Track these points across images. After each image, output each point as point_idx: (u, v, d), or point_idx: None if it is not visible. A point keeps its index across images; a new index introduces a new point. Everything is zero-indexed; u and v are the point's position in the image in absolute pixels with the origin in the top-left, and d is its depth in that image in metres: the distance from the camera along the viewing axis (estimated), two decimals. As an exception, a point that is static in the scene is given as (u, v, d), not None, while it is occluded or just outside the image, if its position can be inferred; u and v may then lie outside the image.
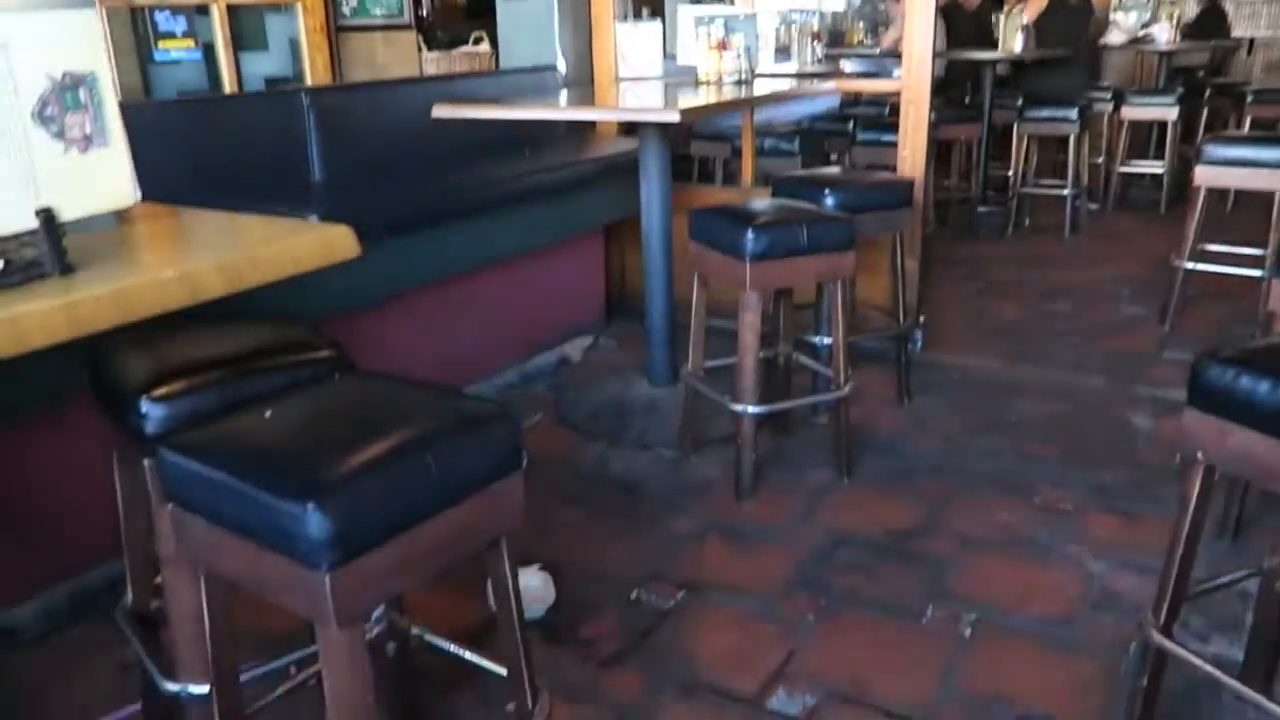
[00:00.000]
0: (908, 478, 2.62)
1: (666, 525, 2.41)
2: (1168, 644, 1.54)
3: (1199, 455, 1.45)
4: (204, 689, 1.39)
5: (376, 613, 1.51)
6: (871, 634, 1.99)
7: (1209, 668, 1.51)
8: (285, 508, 1.06)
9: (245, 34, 5.09)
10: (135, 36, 4.87)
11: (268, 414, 1.24)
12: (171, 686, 1.45)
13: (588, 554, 2.29)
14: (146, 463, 1.34)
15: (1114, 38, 6.42)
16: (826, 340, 2.76)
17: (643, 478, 2.66)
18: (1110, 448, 2.74)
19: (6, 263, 1.18)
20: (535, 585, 2.05)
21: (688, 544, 2.33)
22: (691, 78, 3.24)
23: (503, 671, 1.44)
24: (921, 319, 3.37)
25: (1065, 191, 5.14)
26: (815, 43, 4.01)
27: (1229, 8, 7.31)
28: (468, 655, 1.54)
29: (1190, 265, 3.47)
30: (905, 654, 1.92)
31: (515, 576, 1.34)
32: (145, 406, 1.32)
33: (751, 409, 2.43)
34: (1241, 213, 5.11)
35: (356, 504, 1.09)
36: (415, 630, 1.59)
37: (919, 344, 3.40)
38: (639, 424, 2.91)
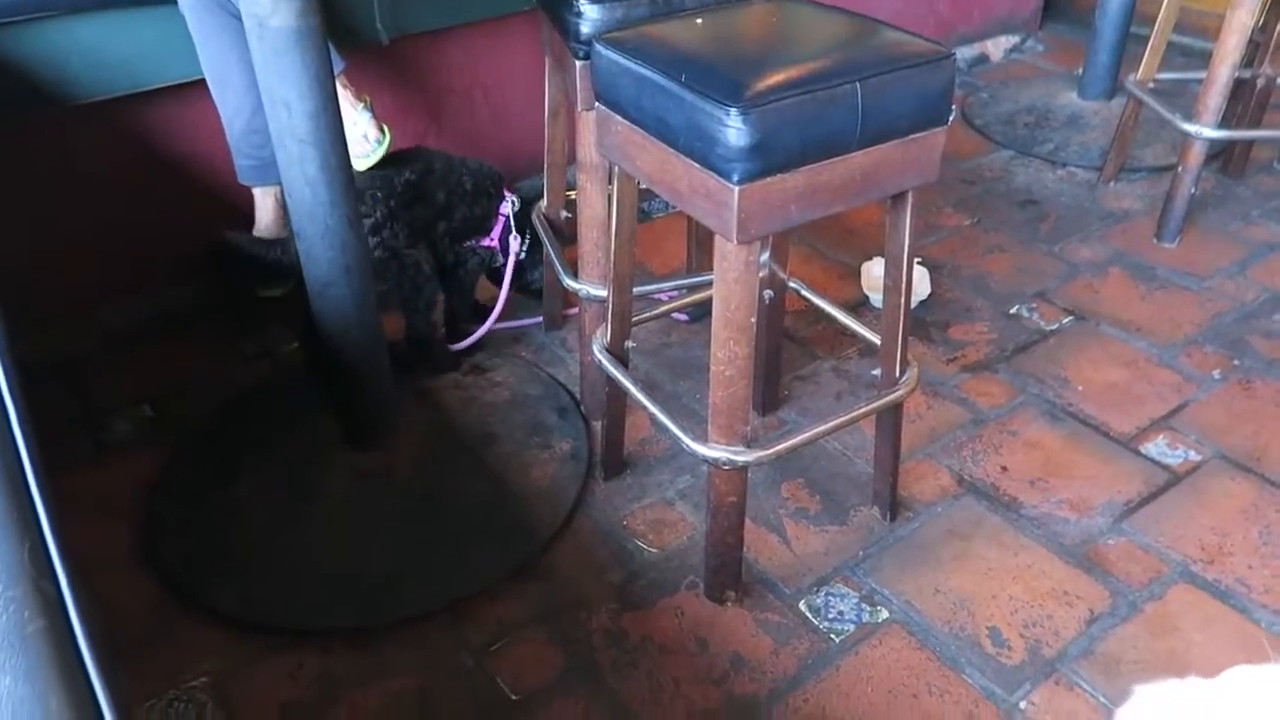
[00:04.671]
0: (1386, 253, 2.15)
1: (1064, 248, 2.20)
2: None
3: None
4: (602, 291, 1.50)
5: (762, 257, 1.53)
6: (1290, 408, 1.74)
7: None
8: (710, 110, 1.05)
9: None
10: None
11: (699, 21, 1.21)
12: (573, 284, 1.59)
13: (970, 260, 2.16)
14: (579, 65, 1.38)
15: None
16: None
17: (1048, 195, 2.41)
18: None
19: None
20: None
21: (1085, 271, 2.12)
22: None
23: (875, 338, 1.43)
24: None
25: None
26: None
27: None
28: (842, 316, 1.53)
29: None
30: (1326, 437, 1.67)
31: (911, 237, 1.27)
32: (582, 5, 1.35)
33: (1207, 131, 2.05)
34: None
35: (780, 121, 1.05)
36: (793, 284, 1.60)
37: None
38: (1057, 137, 2.60)
